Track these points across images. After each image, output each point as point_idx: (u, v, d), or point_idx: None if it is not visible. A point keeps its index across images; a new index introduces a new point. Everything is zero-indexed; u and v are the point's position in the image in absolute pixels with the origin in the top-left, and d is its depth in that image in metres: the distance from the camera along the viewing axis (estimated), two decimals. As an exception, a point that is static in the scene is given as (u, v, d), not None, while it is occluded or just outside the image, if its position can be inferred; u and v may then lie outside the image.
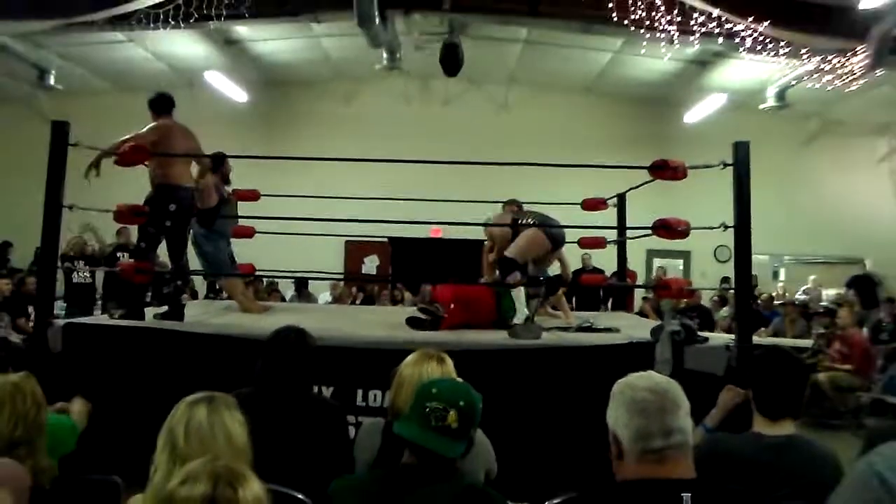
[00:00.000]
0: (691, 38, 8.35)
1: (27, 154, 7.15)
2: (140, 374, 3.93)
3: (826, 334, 7.92)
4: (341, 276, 12.37)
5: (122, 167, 4.45)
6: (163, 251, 4.99)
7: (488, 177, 10.33)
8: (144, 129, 4.73)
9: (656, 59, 10.43)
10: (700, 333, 4.25)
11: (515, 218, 5.14)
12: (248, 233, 5.78)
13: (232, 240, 5.85)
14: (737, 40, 8.29)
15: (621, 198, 6.24)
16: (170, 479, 1.41)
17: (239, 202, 5.87)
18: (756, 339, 4.87)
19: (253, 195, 5.80)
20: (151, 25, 8.29)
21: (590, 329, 4.83)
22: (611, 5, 7.94)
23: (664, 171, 4.21)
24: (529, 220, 5.00)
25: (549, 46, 11.07)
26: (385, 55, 10.32)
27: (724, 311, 9.88)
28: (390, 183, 9.58)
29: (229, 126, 11.44)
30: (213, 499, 1.30)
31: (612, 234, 6.17)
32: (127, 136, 4.59)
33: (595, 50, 11.12)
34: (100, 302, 8.99)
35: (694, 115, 12.21)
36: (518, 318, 4.75)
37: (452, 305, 4.77)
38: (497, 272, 5.20)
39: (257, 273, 6.68)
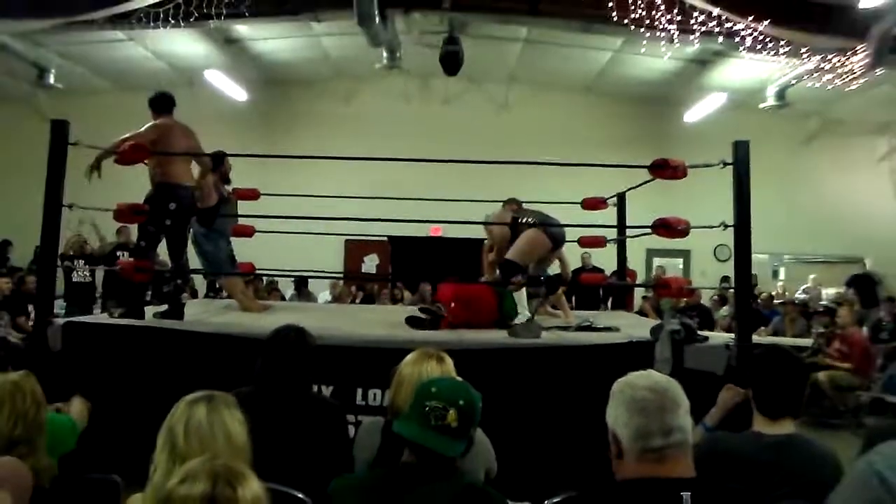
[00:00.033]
0: (691, 37, 8.34)
1: (27, 153, 7.16)
2: (140, 373, 3.93)
3: (826, 333, 7.91)
4: (341, 275, 12.37)
5: (122, 166, 4.45)
6: (163, 250, 5.00)
7: (488, 176, 10.35)
8: (144, 128, 4.74)
9: (656, 58, 10.43)
10: (700, 332, 4.26)
11: (515, 217, 5.13)
12: (248, 232, 5.78)
13: (232, 239, 5.85)
14: (737, 39, 8.28)
15: (621, 197, 6.24)
16: (169, 478, 1.41)
17: (239, 201, 5.87)
18: (756, 338, 4.87)
19: (253, 194, 5.80)
20: (151, 24, 8.28)
21: (589, 328, 4.83)
22: (611, 4, 7.93)
23: (664, 170, 4.21)
24: (529, 220, 5.00)
25: (549, 45, 11.07)
26: (385, 54, 10.31)
27: (724, 310, 9.88)
28: (390, 182, 9.57)
29: (229, 125, 11.44)
30: (212, 498, 1.30)
31: (611, 234, 6.16)
32: (126, 135, 4.59)
33: (595, 49, 11.12)
34: (100, 301, 8.99)
35: (694, 114, 12.21)
36: (520, 320, 4.74)
37: (453, 304, 4.77)
38: (497, 272, 5.19)
39: (257, 272, 6.68)
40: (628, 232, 6.11)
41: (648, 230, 4.27)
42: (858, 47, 8.26)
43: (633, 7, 7.92)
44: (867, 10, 7.73)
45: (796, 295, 11.80)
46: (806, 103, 11.53)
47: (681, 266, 13.31)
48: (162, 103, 4.91)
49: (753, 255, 4.11)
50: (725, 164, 4.07)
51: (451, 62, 9.49)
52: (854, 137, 13.02)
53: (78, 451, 2.60)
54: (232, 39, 11.04)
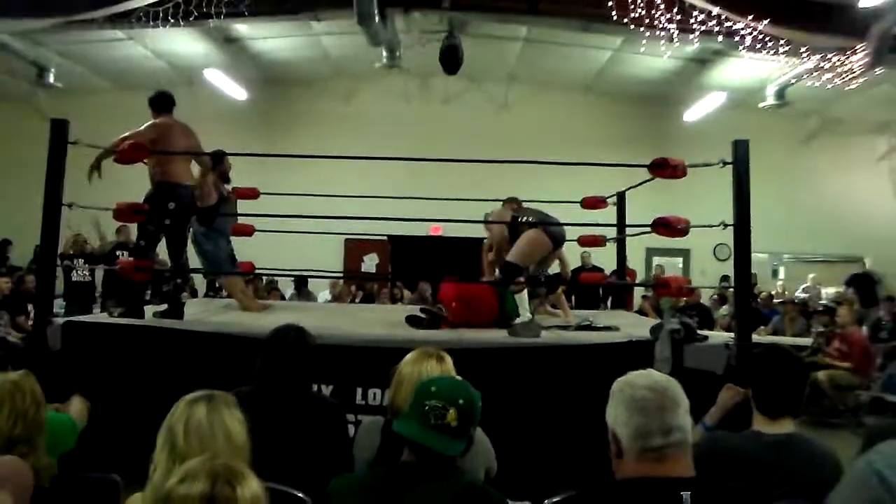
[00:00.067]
0: (691, 36, 8.34)
1: (27, 152, 7.15)
2: (139, 372, 3.93)
3: (825, 332, 7.92)
4: (341, 275, 12.37)
5: (123, 165, 4.45)
6: (162, 249, 4.99)
7: (488, 175, 10.35)
8: (143, 127, 4.73)
9: (656, 57, 10.42)
10: (699, 332, 4.26)
11: (515, 216, 5.12)
12: (248, 231, 5.78)
13: (231, 238, 5.85)
14: (736, 38, 8.28)
15: (621, 196, 6.24)
16: (169, 478, 1.40)
17: (238, 200, 5.87)
18: (755, 337, 4.87)
19: (252, 193, 5.80)
20: (151, 23, 8.28)
21: (589, 327, 4.83)
22: (611, 4, 7.93)
23: (664, 169, 4.21)
24: (529, 219, 4.99)
25: (549, 45, 11.06)
26: (385, 53, 10.31)
27: (724, 309, 9.88)
28: (390, 181, 9.59)
29: (229, 124, 11.43)
30: (211, 497, 1.30)
31: (611, 233, 6.16)
32: (126, 134, 4.59)
33: (595, 48, 11.11)
34: (99, 300, 8.99)
35: (694, 113, 12.20)
36: (521, 320, 4.73)
37: (454, 304, 4.77)
38: (497, 272, 5.19)
39: (257, 271, 6.68)
40: (628, 231, 6.12)
41: (648, 229, 4.27)
42: (858, 46, 8.25)
43: (632, 6, 7.91)
44: (867, 9, 7.72)
45: (796, 294, 11.81)
46: (805, 102, 11.53)
47: (680, 265, 13.31)
48: (162, 102, 4.91)
49: (753, 255, 4.11)
50: (725, 163, 4.07)
51: (451, 61, 9.48)
52: (854, 137, 13.02)
53: (78, 451, 2.60)
54: (231, 38, 11.04)
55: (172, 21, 8.17)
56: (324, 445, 2.52)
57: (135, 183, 5.02)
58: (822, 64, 8.81)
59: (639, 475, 1.62)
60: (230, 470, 1.35)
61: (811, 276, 12.58)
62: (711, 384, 2.99)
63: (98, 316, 5.48)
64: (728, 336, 4.44)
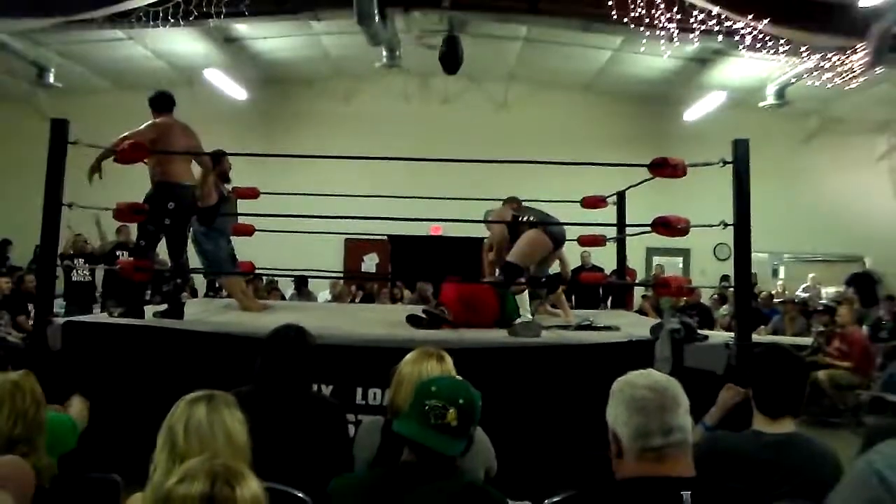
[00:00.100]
0: (691, 35, 8.33)
1: (27, 152, 7.15)
2: (140, 372, 3.93)
3: (825, 332, 7.92)
4: (341, 275, 12.37)
5: (123, 165, 4.45)
6: (162, 249, 4.99)
7: (488, 175, 10.35)
8: (143, 127, 4.73)
9: (656, 56, 10.42)
10: (699, 331, 4.26)
11: (516, 215, 5.12)
12: (248, 231, 5.78)
13: (232, 238, 5.85)
14: (736, 38, 8.28)
15: (621, 195, 6.24)
16: (169, 478, 1.40)
17: (238, 200, 5.87)
18: (755, 337, 4.87)
19: (252, 193, 5.80)
20: (151, 23, 8.28)
21: (589, 327, 4.83)
22: (610, 3, 7.92)
23: (664, 168, 4.21)
24: (530, 218, 4.99)
25: (549, 44, 11.06)
26: (385, 53, 10.31)
27: (724, 309, 9.88)
28: (390, 181, 9.58)
29: (229, 124, 11.42)
30: (210, 497, 1.30)
31: (611, 232, 6.16)
32: (126, 134, 4.59)
33: (595, 48, 11.11)
34: (99, 300, 8.99)
35: (694, 112, 12.20)
36: (521, 320, 4.73)
37: (456, 305, 4.76)
38: (498, 272, 5.19)
39: (257, 271, 6.68)
40: (628, 231, 6.11)
41: (648, 229, 4.27)
42: (858, 46, 8.25)
43: (632, 6, 7.91)
44: (867, 8, 7.72)
45: (796, 294, 11.80)
46: (806, 102, 11.53)
47: (680, 265, 13.31)
48: (162, 102, 4.91)
49: (753, 254, 4.11)
50: (725, 162, 4.07)
51: (451, 61, 9.48)
52: (854, 136, 13.01)
53: (78, 451, 2.60)
54: (231, 38, 11.04)
55: (172, 21, 8.17)
56: (324, 445, 2.52)
57: (135, 183, 5.02)
58: (822, 63, 8.81)
59: (639, 475, 1.62)
60: (229, 470, 1.35)
61: (811, 275, 12.58)
62: (711, 384, 2.99)
63: (98, 316, 5.48)
64: (728, 336, 4.44)
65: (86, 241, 9.07)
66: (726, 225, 4.05)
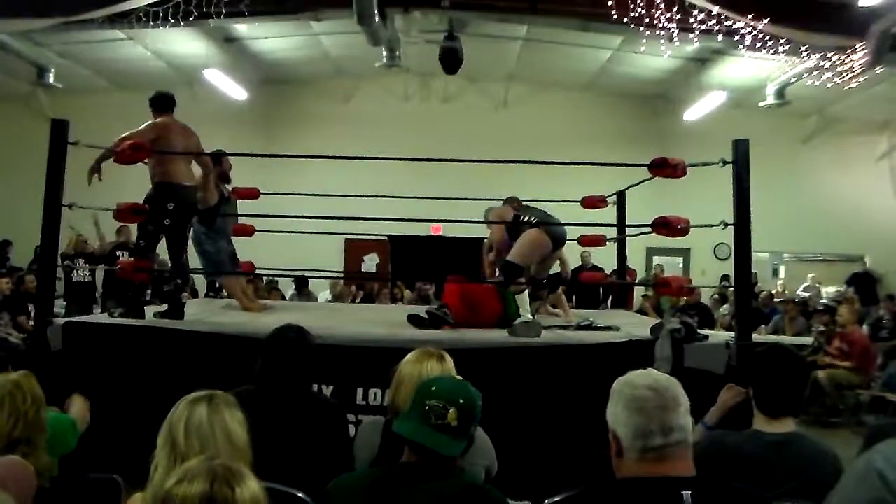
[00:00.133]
0: (691, 35, 8.33)
1: (27, 152, 7.17)
2: (140, 372, 3.93)
3: (826, 332, 7.92)
4: (341, 275, 12.37)
5: (123, 166, 4.45)
6: (162, 249, 4.99)
7: (488, 174, 10.36)
8: (142, 127, 4.72)
9: (656, 56, 10.42)
10: (700, 331, 4.25)
11: (517, 214, 5.11)
12: (248, 231, 5.78)
13: (232, 238, 5.85)
14: (736, 38, 8.27)
15: (621, 195, 6.23)
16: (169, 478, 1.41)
17: (239, 200, 5.87)
18: (756, 336, 4.87)
19: (253, 193, 5.80)
20: (151, 23, 8.28)
21: (589, 327, 4.83)
22: (610, 3, 7.91)
23: (664, 168, 4.21)
24: (531, 218, 4.98)
25: (549, 44, 11.06)
26: (385, 53, 10.32)
27: (724, 308, 9.88)
28: (390, 181, 9.58)
29: (229, 124, 11.43)
30: (210, 497, 1.30)
31: (611, 232, 6.16)
32: (126, 134, 4.59)
33: (594, 48, 11.11)
34: (100, 300, 8.99)
35: (693, 112, 12.20)
36: (522, 320, 4.72)
37: (457, 305, 4.76)
38: (498, 272, 5.18)
39: (257, 271, 6.67)
40: (628, 231, 6.11)
41: (648, 229, 4.27)
42: (858, 45, 8.24)
43: (632, 6, 7.91)
44: (867, 8, 7.72)
45: (796, 293, 11.81)
46: (805, 101, 11.52)
47: (681, 265, 13.31)
48: (162, 103, 4.90)
49: (753, 254, 4.11)
50: (725, 162, 4.07)
51: (451, 61, 9.48)
52: (854, 136, 13.02)
53: (78, 451, 2.60)
54: (231, 38, 11.04)
55: (172, 21, 8.16)
56: (324, 445, 2.52)
57: (135, 183, 5.02)
58: (822, 63, 8.80)
59: (639, 475, 1.62)
60: (229, 470, 1.35)
61: (811, 275, 12.59)
62: (712, 384, 2.98)
63: (98, 316, 5.47)
64: (728, 335, 4.44)
65: (86, 242, 9.07)
66: (726, 225, 4.05)
